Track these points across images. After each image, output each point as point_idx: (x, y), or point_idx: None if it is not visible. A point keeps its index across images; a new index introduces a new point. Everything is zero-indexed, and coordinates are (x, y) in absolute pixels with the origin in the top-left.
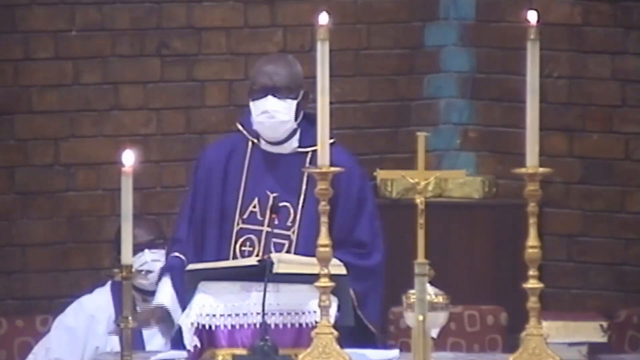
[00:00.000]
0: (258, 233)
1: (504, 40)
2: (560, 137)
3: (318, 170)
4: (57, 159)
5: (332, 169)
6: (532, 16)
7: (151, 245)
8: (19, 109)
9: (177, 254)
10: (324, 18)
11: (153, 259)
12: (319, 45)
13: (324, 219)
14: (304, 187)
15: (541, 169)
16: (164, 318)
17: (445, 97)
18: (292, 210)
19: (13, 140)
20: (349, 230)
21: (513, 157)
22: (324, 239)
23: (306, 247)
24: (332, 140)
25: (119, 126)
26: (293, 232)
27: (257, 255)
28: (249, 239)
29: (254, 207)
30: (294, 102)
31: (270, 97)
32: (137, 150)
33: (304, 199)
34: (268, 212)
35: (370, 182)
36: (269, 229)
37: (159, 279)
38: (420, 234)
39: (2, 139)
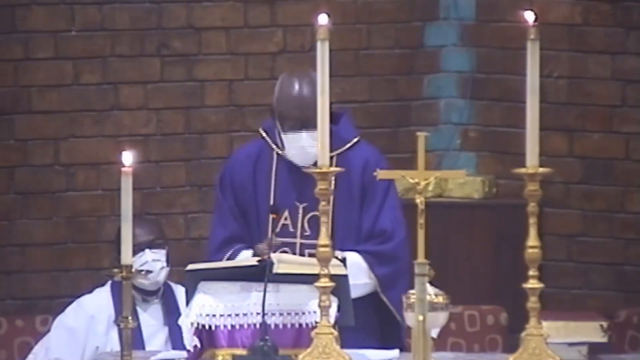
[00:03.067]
0: (292, 245)
1: (504, 40)
2: (560, 137)
3: (318, 171)
4: (57, 159)
5: (332, 169)
6: (529, 17)
7: (152, 245)
8: (19, 109)
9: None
10: (323, 18)
11: (154, 259)
12: (319, 45)
13: (324, 219)
14: (332, 185)
15: (541, 169)
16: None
17: (445, 97)
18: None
19: (13, 140)
20: (374, 222)
21: (513, 157)
22: (324, 239)
23: (342, 245)
24: (356, 139)
25: (119, 126)
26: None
27: None
28: (284, 252)
29: (285, 219)
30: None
31: (304, 134)
32: (137, 150)
33: (334, 206)
34: (299, 222)
35: None
36: (303, 241)
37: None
38: (420, 234)
39: (2, 139)
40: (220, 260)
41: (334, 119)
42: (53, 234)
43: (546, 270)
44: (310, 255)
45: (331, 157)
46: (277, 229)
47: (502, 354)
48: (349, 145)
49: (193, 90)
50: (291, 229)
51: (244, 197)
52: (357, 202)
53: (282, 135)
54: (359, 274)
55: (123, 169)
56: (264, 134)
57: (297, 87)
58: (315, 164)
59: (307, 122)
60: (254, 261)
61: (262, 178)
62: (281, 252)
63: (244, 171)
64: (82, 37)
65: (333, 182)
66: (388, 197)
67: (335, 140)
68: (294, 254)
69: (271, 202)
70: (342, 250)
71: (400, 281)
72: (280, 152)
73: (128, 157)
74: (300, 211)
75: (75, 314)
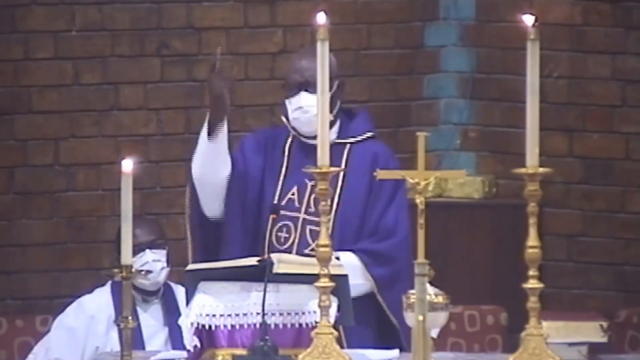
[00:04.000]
0: (295, 220)
1: (504, 40)
2: (560, 137)
3: (318, 170)
4: (57, 159)
5: (332, 168)
6: (528, 19)
7: (152, 246)
8: (19, 109)
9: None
10: (321, 18)
11: (154, 259)
12: (318, 45)
13: (324, 219)
14: (340, 177)
15: (541, 169)
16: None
17: (445, 97)
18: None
19: (13, 140)
20: (379, 219)
21: (513, 157)
22: (324, 239)
23: (342, 234)
24: (371, 134)
25: (119, 126)
26: (328, 220)
27: (292, 242)
28: (285, 225)
29: (292, 194)
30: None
31: (303, 93)
32: (137, 150)
33: (340, 190)
34: (305, 199)
35: None
36: (306, 216)
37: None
38: (420, 234)
39: (2, 139)
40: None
41: (351, 114)
42: (53, 234)
43: (546, 270)
44: (312, 232)
45: (343, 145)
46: (283, 202)
47: (502, 354)
48: (361, 137)
49: (193, 90)
50: (297, 204)
51: (252, 181)
52: (364, 195)
53: (286, 102)
54: (353, 274)
55: (123, 169)
56: (284, 119)
57: (299, 56)
58: (338, 144)
59: (308, 86)
60: (254, 261)
61: (275, 156)
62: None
63: (255, 143)
64: (82, 37)
65: (342, 172)
66: (397, 196)
67: (348, 131)
68: (295, 228)
69: (281, 180)
70: (340, 247)
71: (397, 283)
72: (294, 133)
73: (128, 164)
74: (309, 188)
75: (75, 314)
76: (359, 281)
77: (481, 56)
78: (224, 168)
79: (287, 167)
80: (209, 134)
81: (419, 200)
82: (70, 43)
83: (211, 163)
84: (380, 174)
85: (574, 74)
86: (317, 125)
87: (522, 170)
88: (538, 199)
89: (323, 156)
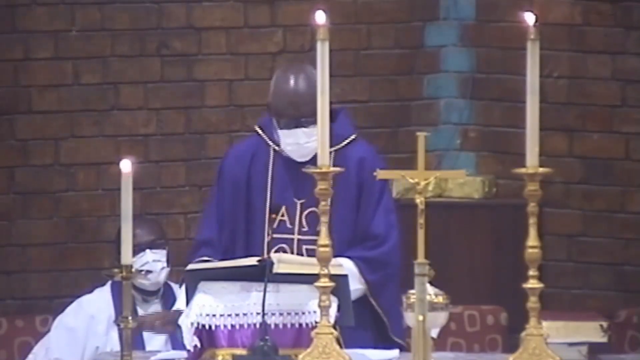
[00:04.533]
0: (290, 242)
1: (504, 40)
2: (560, 137)
3: (318, 171)
4: (57, 159)
5: (332, 169)
6: (529, 18)
7: (152, 246)
8: (19, 109)
9: (206, 257)
10: (320, 17)
11: (154, 259)
12: (318, 45)
13: (324, 219)
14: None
15: (541, 169)
16: (173, 323)
17: (445, 97)
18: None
19: (13, 140)
20: (368, 224)
21: (513, 157)
22: (324, 239)
23: (340, 250)
24: (354, 137)
25: (119, 126)
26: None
27: None
28: (281, 248)
29: (282, 216)
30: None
31: (299, 132)
32: (137, 150)
33: (331, 202)
34: (297, 219)
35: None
36: (300, 237)
37: (182, 282)
38: (420, 234)
39: (2, 139)
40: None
41: (331, 116)
42: (53, 234)
43: (546, 270)
44: (308, 251)
45: (329, 153)
46: (275, 225)
47: (502, 354)
48: (345, 142)
49: (193, 90)
50: (289, 225)
51: (239, 195)
52: (354, 200)
53: (279, 132)
54: (351, 280)
55: (122, 169)
56: (259, 131)
57: (292, 83)
58: (312, 158)
59: (303, 119)
60: (254, 261)
61: (259, 175)
62: (277, 249)
63: (240, 168)
64: (82, 37)
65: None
66: (383, 199)
67: (332, 137)
68: (292, 250)
69: (268, 199)
70: (335, 254)
71: (389, 286)
72: (277, 148)
73: (127, 164)
74: (298, 207)
75: (75, 314)
76: (356, 286)
77: (481, 56)
78: None
79: (272, 185)
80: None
81: (419, 200)
82: (70, 43)
83: None
84: (381, 174)
85: (574, 74)
86: (309, 154)
87: (522, 170)
88: (538, 199)
89: (323, 156)
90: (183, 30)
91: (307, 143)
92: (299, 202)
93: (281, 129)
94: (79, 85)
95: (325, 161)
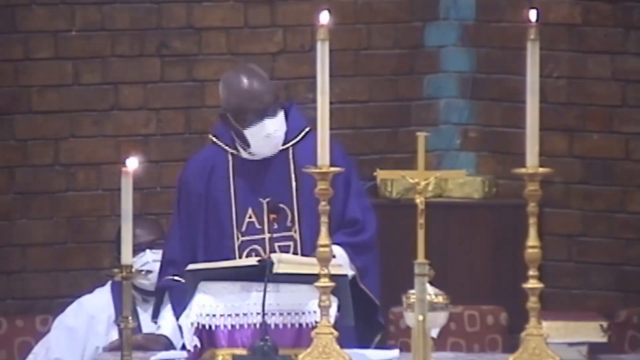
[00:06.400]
0: (261, 242)
1: (504, 40)
2: (560, 137)
3: (318, 170)
4: (57, 159)
5: (332, 168)
6: (532, 15)
7: (153, 246)
8: (19, 109)
9: (174, 277)
10: (324, 17)
11: (154, 259)
12: (319, 45)
13: (324, 219)
14: (294, 184)
15: (541, 169)
16: (165, 346)
17: (445, 97)
18: (288, 211)
19: (13, 140)
20: (342, 211)
21: (513, 157)
22: (324, 239)
23: (312, 244)
24: (307, 129)
25: (119, 126)
26: (295, 232)
27: None
28: (253, 249)
29: (250, 217)
30: (282, 112)
31: (266, 121)
32: (137, 150)
33: (297, 196)
34: (265, 218)
35: (370, 182)
36: (271, 235)
37: (157, 300)
38: (420, 234)
39: (2, 139)
40: (162, 280)
41: (285, 113)
42: (53, 234)
43: (546, 270)
44: (281, 248)
45: (286, 150)
46: (243, 228)
47: (502, 354)
48: (301, 135)
49: (193, 90)
50: (257, 226)
51: (200, 206)
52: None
53: (245, 132)
54: (345, 266)
55: (123, 169)
56: (215, 139)
57: (246, 81)
58: (276, 154)
59: (267, 112)
60: (254, 261)
61: (220, 182)
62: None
63: (199, 180)
64: (82, 37)
65: (293, 175)
66: (352, 184)
67: (287, 132)
68: (264, 250)
69: (233, 204)
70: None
71: (373, 268)
72: (235, 152)
73: (133, 163)
74: (265, 206)
75: (76, 314)
76: (349, 272)
77: (481, 56)
78: None
79: (235, 189)
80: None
81: (419, 200)
82: (70, 43)
83: None
84: (381, 174)
85: (574, 74)
86: (275, 148)
87: (522, 170)
88: (538, 199)
89: (323, 156)
90: (183, 30)
91: (276, 132)
92: (264, 201)
93: (246, 127)
94: (79, 85)
95: (325, 161)
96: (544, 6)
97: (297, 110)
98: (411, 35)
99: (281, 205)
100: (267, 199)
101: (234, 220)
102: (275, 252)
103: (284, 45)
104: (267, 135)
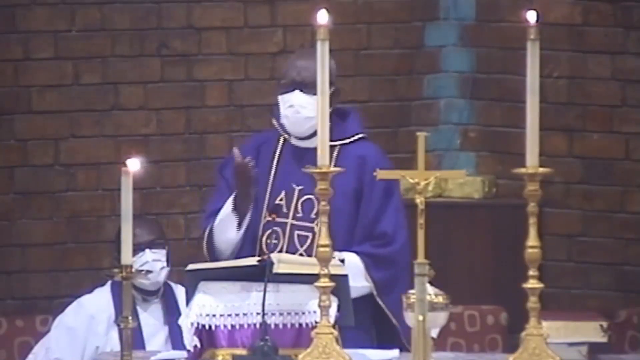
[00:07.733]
0: (283, 226)
1: (504, 40)
2: (560, 137)
3: (318, 170)
4: (57, 159)
5: (332, 169)
6: (531, 16)
7: (152, 245)
8: (19, 109)
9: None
10: (323, 16)
11: (154, 259)
12: (318, 45)
13: (324, 219)
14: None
15: (541, 169)
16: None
17: (445, 97)
18: (316, 203)
19: (13, 140)
20: (374, 223)
21: (513, 157)
22: (324, 239)
23: (337, 239)
24: (361, 135)
25: (119, 126)
26: (317, 224)
27: (281, 248)
28: (274, 231)
29: (280, 199)
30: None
31: (297, 92)
32: (137, 150)
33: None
34: (293, 204)
35: None
36: (294, 222)
37: (207, 235)
38: (420, 234)
39: (2, 139)
40: (209, 225)
41: (343, 115)
42: (53, 234)
43: (546, 270)
44: (299, 237)
45: (332, 147)
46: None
47: (502, 354)
48: (352, 139)
49: (193, 90)
50: (285, 210)
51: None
52: (351, 192)
53: (279, 98)
54: (357, 275)
55: (123, 169)
56: (275, 123)
57: (301, 55)
58: (313, 135)
59: (303, 86)
60: (253, 261)
61: (265, 160)
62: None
63: (250, 154)
64: (82, 37)
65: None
66: (392, 199)
67: (338, 132)
68: (284, 233)
69: (270, 183)
70: (340, 250)
71: (397, 286)
72: (286, 136)
73: (134, 164)
74: (296, 193)
75: (75, 314)
76: (362, 283)
77: (481, 56)
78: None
79: (276, 171)
80: (238, 225)
81: (419, 200)
82: (70, 43)
83: (227, 241)
84: (380, 174)
85: (574, 74)
86: (306, 127)
87: (522, 170)
88: (538, 199)
89: (323, 156)
90: (183, 30)
91: (303, 108)
92: (297, 188)
93: (281, 94)
94: (79, 85)
95: (325, 161)
96: (544, 6)
97: (356, 116)
98: (411, 35)
99: (310, 196)
100: (300, 187)
101: (267, 199)
102: (292, 238)
103: (284, 45)
104: (291, 105)
